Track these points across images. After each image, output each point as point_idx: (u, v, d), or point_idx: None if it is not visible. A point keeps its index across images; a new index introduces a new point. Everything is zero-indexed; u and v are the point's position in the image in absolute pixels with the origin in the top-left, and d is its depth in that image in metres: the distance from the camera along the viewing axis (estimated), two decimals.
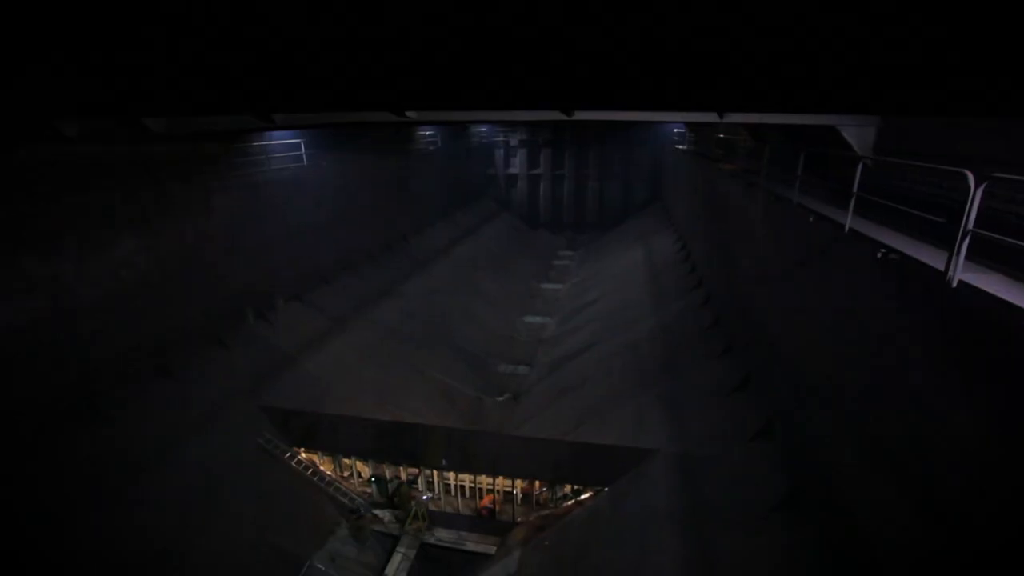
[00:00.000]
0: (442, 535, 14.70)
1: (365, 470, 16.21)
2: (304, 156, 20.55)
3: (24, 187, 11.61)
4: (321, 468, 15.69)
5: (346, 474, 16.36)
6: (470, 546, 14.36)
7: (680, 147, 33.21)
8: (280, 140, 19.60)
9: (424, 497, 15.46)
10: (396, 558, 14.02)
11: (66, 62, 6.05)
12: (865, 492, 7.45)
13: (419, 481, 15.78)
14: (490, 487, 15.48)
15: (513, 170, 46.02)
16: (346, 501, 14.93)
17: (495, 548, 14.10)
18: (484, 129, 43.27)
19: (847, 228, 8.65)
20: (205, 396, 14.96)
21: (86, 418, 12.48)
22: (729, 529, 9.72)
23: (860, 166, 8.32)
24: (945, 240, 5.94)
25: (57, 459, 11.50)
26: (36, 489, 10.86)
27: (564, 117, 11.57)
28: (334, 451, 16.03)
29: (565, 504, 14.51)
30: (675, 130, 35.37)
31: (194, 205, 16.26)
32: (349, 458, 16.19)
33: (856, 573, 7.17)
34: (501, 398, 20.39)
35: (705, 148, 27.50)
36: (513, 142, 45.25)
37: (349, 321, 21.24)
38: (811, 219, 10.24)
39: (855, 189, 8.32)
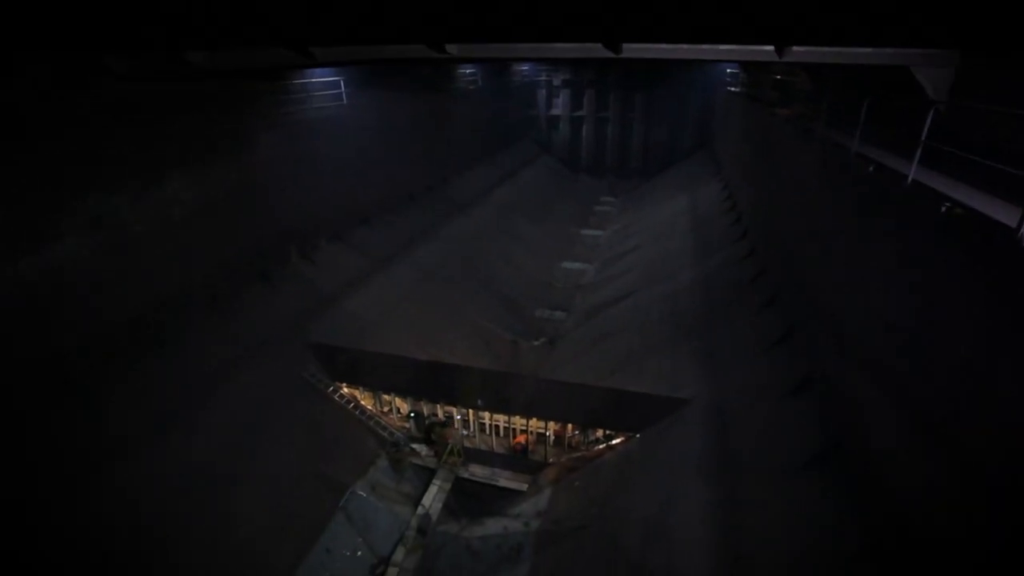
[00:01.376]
0: (476, 471, 15.29)
1: (404, 406, 16.84)
2: (344, 95, 20.35)
3: (83, 125, 11.92)
4: (362, 403, 16.36)
5: (386, 409, 17.04)
6: (503, 482, 14.91)
7: (732, 89, 31.45)
8: (320, 78, 19.41)
9: (454, 425, 16.00)
10: (432, 489, 14.71)
11: None
12: (903, 455, 7.31)
13: (455, 419, 16.32)
14: (524, 428, 15.90)
15: (555, 111, 44.64)
16: (385, 435, 15.60)
17: (527, 486, 14.61)
18: (526, 68, 41.79)
19: (910, 179, 8.11)
20: (253, 330, 15.62)
21: (146, 348, 13.25)
22: (760, 482, 9.76)
23: (931, 112, 7.70)
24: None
25: (124, 386, 12.33)
26: (107, 414, 11.73)
27: (611, 55, 11.00)
28: (374, 387, 16.65)
29: (596, 448, 14.80)
30: (728, 71, 33.39)
31: (238, 144, 16.47)
32: (389, 394, 16.82)
33: (886, 534, 7.14)
34: (537, 342, 20.60)
35: (759, 91, 25.97)
36: (556, 82, 43.63)
37: (389, 262, 21.56)
38: (871, 169, 9.65)
39: (923, 137, 7.74)
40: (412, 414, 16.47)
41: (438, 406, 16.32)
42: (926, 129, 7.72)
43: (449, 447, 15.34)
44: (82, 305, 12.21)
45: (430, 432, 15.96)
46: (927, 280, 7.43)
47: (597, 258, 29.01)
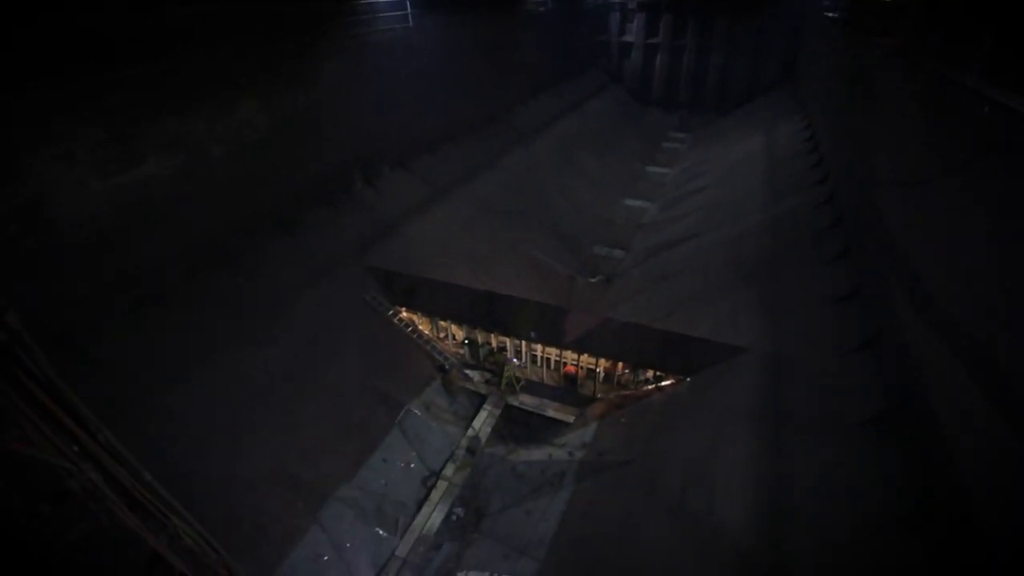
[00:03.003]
0: (526, 400, 15.79)
1: (459, 333, 17.36)
2: (409, 16, 19.84)
3: (160, 49, 12.26)
4: (420, 327, 16.99)
5: (442, 335, 17.64)
6: (550, 413, 15.37)
7: (829, 15, 28.51)
8: None
9: (513, 362, 16.42)
10: (483, 414, 15.37)
11: None
12: (970, 422, 6.99)
13: (508, 349, 16.74)
14: (574, 362, 16.16)
15: (628, 38, 41.84)
16: (440, 359, 16.24)
17: (574, 418, 15.01)
18: None
19: None
20: (318, 253, 16.26)
21: (222, 266, 14.10)
22: (811, 436, 9.63)
23: None
24: None
25: (202, 301, 13.26)
26: (191, 325, 12.70)
27: None
28: (432, 313, 17.20)
29: (645, 387, 14.92)
30: None
31: (306, 68, 16.55)
32: (445, 321, 17.35)
33: (938, 498, 6.96)
34: (594, 279, 20.49)
35: (860, 17, 23.42)
36: (631, 5, 40.54)
37: (450, 191, 21.65)
38: (986, 109, 8.66)
39: None
40: (467, 341, 16.99)
41: (492, 335, 16.73)
42: None
43: (507, 375, 15.79)
44: (164, 222, 13.02)
45: (487, 360, 16.44)
46: None
47: (661, 197, 28.05)
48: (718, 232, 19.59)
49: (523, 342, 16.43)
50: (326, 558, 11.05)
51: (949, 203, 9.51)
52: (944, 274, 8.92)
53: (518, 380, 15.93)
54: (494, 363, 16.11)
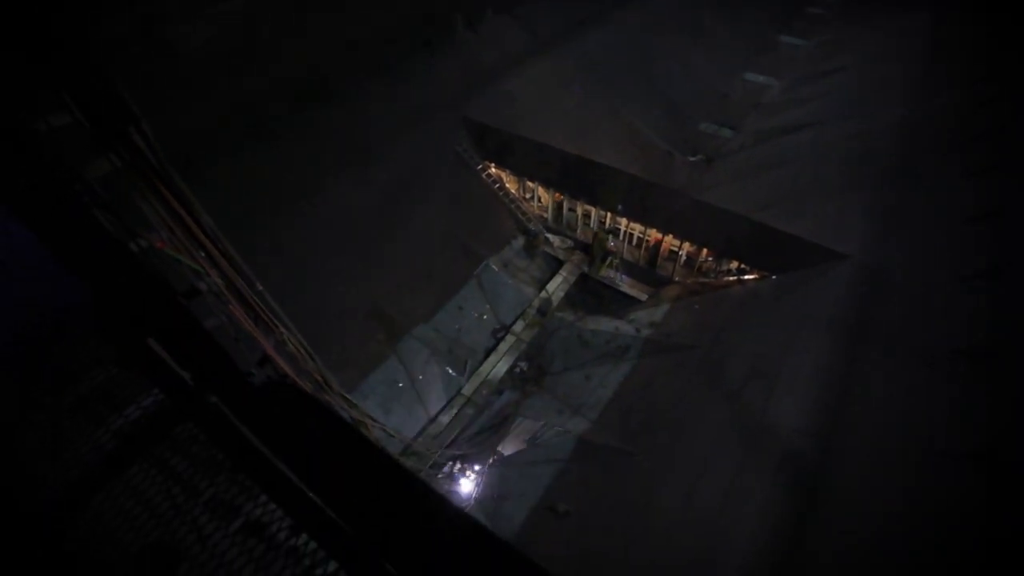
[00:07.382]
0: (602, 272, 15.91)
1: (545, 196, 17.24)
2: None
3: None
4: (507, 185, 16.95)
5: (528, 196, 17.59)
6: (624, 288, 15.50)
7: None
8: None
9: (611, 244, 16.26)
10: (557, 279, 15.73)
11: None
12: None
13: (592, 218, 16.54)
14: (659, 242, 15.84)
15: None
16: (524, 219, 16.37)
17: (647, 296, 15.09)
18: None
19: None
20: (414, 98, 16.07)
21: (323, 101, 14.27)
22: (893, 357, 9.23)
23: None
24: None
25: (304, 135, 13.67)
26: (293, 159, 13.26)
27: None
28: (521, 172, 17.02)
29: (726, 278, 14.56)
30: None
31: None
32: (533, 182, 17.18)
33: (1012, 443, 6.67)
34: (693, 158, 19.27)
35: None
36: None
37: (555, 45, 20.20)
38: None
39: None
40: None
41: (579, 202, 16.49)
42: None
43: (609, 261, 15.73)
44: (269, 51, 13.13)
45: (594, 240, 16.30)
46: None
47: (788, 73, 24.93)
48: (845, 123, 17.50)
49: (608, 213, 16.14)
50: (401, 385, 12.38)
51: None
52: None
53: (618, 267, 15.79)
54: (598, 242, 15.94)
